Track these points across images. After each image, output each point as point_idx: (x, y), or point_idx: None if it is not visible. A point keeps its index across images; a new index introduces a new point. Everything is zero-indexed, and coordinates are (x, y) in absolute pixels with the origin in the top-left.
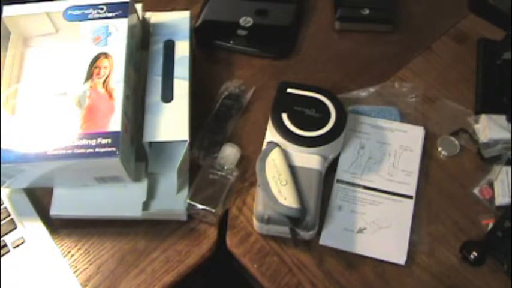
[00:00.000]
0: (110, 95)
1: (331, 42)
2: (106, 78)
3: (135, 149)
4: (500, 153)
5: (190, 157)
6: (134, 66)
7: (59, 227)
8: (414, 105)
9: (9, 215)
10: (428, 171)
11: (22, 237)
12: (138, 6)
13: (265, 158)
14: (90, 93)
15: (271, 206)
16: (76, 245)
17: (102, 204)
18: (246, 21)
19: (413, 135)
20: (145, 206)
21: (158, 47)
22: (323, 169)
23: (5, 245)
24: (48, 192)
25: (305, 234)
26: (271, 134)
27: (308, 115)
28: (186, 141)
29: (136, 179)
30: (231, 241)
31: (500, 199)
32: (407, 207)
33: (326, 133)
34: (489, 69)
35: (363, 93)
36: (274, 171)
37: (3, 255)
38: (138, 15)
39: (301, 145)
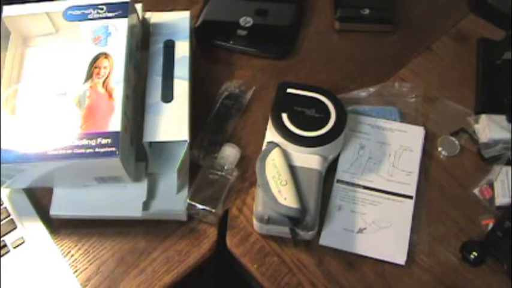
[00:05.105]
0: (110, 95)
1: (331, 42)
2: (106, 78)
3: (135, 149)
4: (500, 153)
5: (190, 157)
6: (134, 66)
7: (59, 227)
8: (414, 105)
9: (9, 215)
10: (428, 171)
11: (22, 237)
12: (138, 6)
13: (265, 158)
14: (90, 93)
15: (271, 206)
16: (76, 245)
17: (102, 204)
18: (246, 21)
19: (413, 135)
20: (145, 206)
21: (158, 47)
22: (323, 169)
23: (5, 245)
24: (48, 192)
25: (305, 234)
26: (271, 134)
27: (308, 115)
28: (186, 141)
29: (136, 179)
30: (231, 241)
31: (500, 199)
32: (407, 207)
33: (326, 133)
34: (489, 69)
35: (363, 93)
36: (274, 171)
37: (3, 255)
38: (138, 15)
39: (301, 145)
